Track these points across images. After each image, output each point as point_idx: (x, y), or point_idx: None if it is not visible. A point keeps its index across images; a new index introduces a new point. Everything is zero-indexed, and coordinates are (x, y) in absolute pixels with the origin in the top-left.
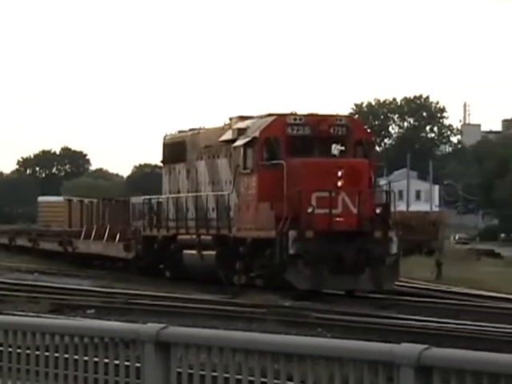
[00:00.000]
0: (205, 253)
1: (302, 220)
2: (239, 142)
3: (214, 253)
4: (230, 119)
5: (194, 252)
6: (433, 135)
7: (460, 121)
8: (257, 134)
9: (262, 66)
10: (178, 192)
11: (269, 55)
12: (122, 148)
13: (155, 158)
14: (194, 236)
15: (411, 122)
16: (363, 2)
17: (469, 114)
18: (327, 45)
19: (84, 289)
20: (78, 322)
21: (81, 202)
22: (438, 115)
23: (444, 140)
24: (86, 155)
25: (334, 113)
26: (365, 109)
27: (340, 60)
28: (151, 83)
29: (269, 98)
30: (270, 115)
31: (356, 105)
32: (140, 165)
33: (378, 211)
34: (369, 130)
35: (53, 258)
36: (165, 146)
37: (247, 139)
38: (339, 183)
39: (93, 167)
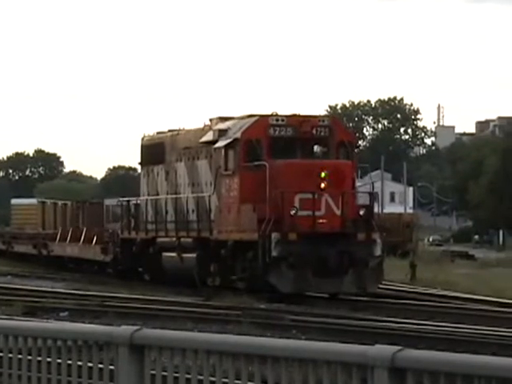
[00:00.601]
0: (185, 255)
1: (285, 222)
2: (220, 144)
3: (194, 255)
4: (210, 120)
5: (173, 255)
6: (407, 137)
7: (434, 123)
8: (238, 135)
9: (237, 67)
10: (157, 194)
11: (243, 57)
12: (95, 150)
13: (129, 160)
14: (174, 239)
15: (385, 123)
16: (338, 5)
17: (443, 116)
18: (302, 47)
19: (58, 291)
20: (51, 324)
21: (54, 204)
22: (412, 117)
23: (418, 142)
24: (59, 157)
25: (312, 114)
26: (339, 111)
27: (315, 62)
28: (125, 85)
29: (244, 99)
30: (251, 116)
31: (330, 107)
32: (114, 167)
33: (361, 213)
34: (351, 131)
35: (27, 260)
36: (143, 147)
37: (228, 140)
38: (322, 185)
39: (66, 169)
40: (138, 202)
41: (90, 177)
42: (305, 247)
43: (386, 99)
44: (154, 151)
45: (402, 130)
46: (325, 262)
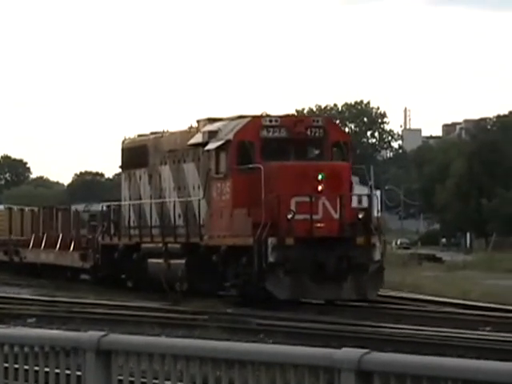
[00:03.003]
0: (173, 262)
1: (281, 226)
2: (211, 146)
3: (183, 261)
4: (198, 122)
5: (160, 261)
6: (374, 140)
7: (401, 126)
8: (230, 136)
9: (202, 71)
10: (139, 198)
11: (212, 60)
12: (62, 156)
13: (96, 165)
14: (160, 244)
15: (352, 127)
16: (305, 9)
17: (409, 120)
18: (269, 50)
19: (25, 297)
20: (18, 330)
21: (21, 210)
22: (379, 120)
23: (385, 145)
24: (26, 163)
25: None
26: (306, 115)
27: (281, 66)
28: (93, 90)
29: (209, 102)
30: (241, 117)
31: (297, 111)
32: (81, 172)
33: (360, 216)
34: (346, 132)
35: None
36: (124, 150)
37: (220, 142)
38: (319, 187)
39: (33, 175)
40: (119, 206)
41: (57, 182)
42: (302, 252)
43: (353, 103)
44: (136, 154)
45: (368, 133)
46: (323, 267)
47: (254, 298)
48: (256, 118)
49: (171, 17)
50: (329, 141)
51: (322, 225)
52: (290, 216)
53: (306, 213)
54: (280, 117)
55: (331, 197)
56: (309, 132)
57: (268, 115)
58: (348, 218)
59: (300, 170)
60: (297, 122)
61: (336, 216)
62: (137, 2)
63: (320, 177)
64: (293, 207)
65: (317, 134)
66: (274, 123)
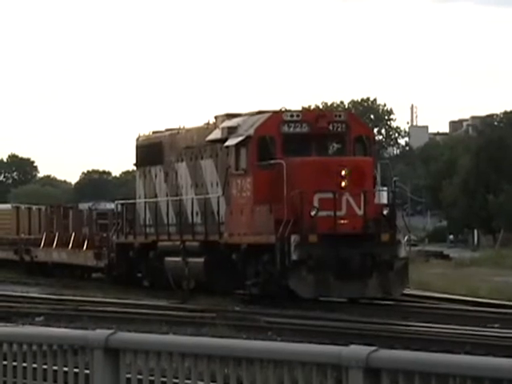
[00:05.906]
0: (191, 260)
1: (304, 223)
2: (231, 142)
3: (201, 260)
4: (215, 118)
5: (177, 259)
6: (380, 137)
7: (407, 123)
8: (251, 132)
9: (210, 68)
10: (155, 196)
11: (216, 57)
12: (70, 154)
13: (103, 164)
14: (178, 242)
15: None
16: (310, 5)
17: (416, 116)
18: (274, 47)
19: (33, 296)
20: (26, 329)
21: (29, 209)
22: (386, 117)
23: (392, 142)
24: (33, 162)
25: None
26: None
27: (287, 63)
28: (99, 87)
29: (215, 99)
30: (261, 112)
31: (303, 108)
32: (88, 171)
33: (385, 212)
34: (368, 126)
35: (7, 266)
36: (138, 147)
37: (240, 138)
38: (343, 183)
39: (40, 174)
40: (134, 204)
41: (64, 181)
42: (326, 249)
43: (359, 100)
44: (151, 151)
45: (375, 130)
46: (347, 264)
47: (275, 296)
48: (277, 113)
49: (184, 14)
50: (351, 135)
51: (346, 221)
52: (313, 213)
53: (330, 209)
54: (301, 111)
55: (355, 193)
56: (331, 127)
57: (289, 110)
58: (372, 214)
59: (323, 166)
60: (318, 116)
61: (360, 212)
62: None
63: (343, 172)
64: (316, 203)
65: (339, 129)
66: (295, 118)
